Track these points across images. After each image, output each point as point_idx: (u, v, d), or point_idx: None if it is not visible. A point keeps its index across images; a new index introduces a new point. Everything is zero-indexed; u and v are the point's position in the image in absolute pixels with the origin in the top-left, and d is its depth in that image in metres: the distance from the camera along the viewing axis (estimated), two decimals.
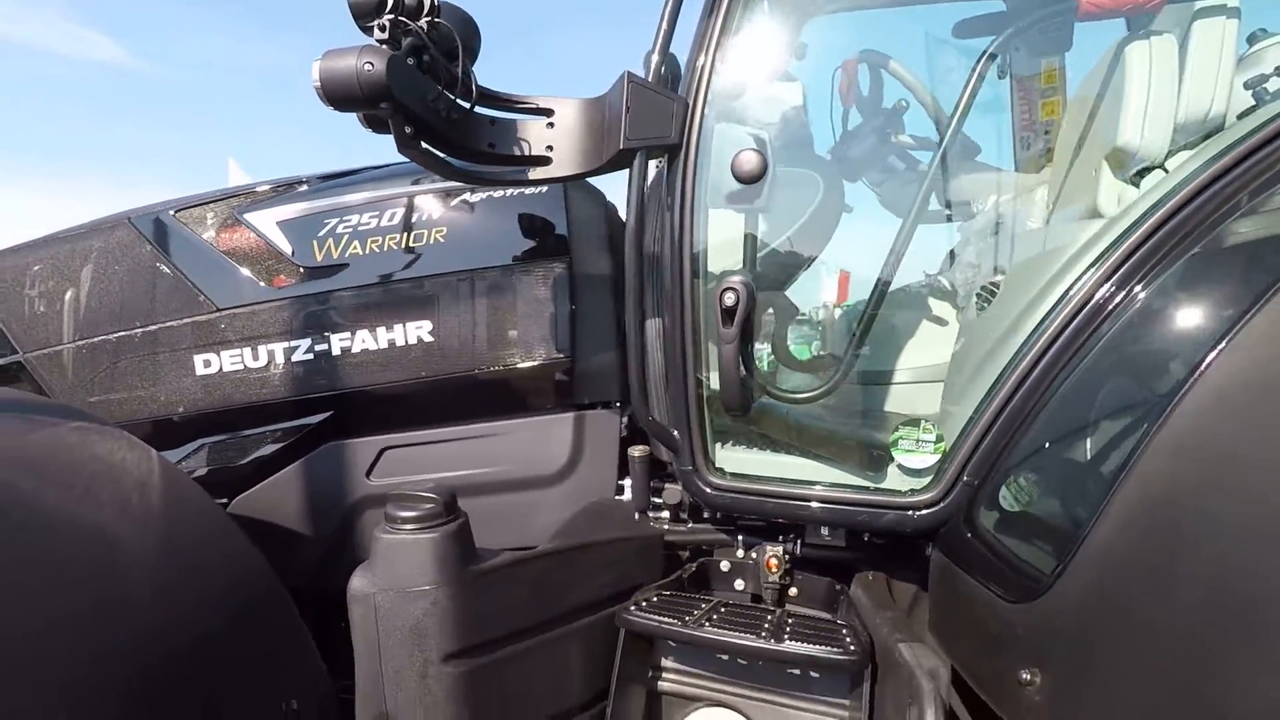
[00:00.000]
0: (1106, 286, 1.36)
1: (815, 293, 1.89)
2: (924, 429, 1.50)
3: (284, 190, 2.42)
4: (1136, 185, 1.52)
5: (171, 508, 1.54)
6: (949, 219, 2.06)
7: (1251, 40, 1.57)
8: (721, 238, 1.68)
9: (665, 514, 2.07)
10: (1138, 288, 1.32)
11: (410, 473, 2.27)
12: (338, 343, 2.25)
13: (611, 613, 1.56)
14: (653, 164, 2.27)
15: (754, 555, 1.82)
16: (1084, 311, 1.37)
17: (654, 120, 1.59)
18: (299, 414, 2.29)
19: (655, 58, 1.62)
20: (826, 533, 1.68)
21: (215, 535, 1.59)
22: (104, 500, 1.42)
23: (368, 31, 1.45)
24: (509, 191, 2.27)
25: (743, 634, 1.44)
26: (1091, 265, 1.39)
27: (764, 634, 1.43)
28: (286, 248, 2.32)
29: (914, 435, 1.50)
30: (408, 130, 1.53)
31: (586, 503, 2.14)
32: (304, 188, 2.42)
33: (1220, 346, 1.02)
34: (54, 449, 1.46)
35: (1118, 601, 0.99)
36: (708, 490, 1.68)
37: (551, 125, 1.77)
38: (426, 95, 1.55)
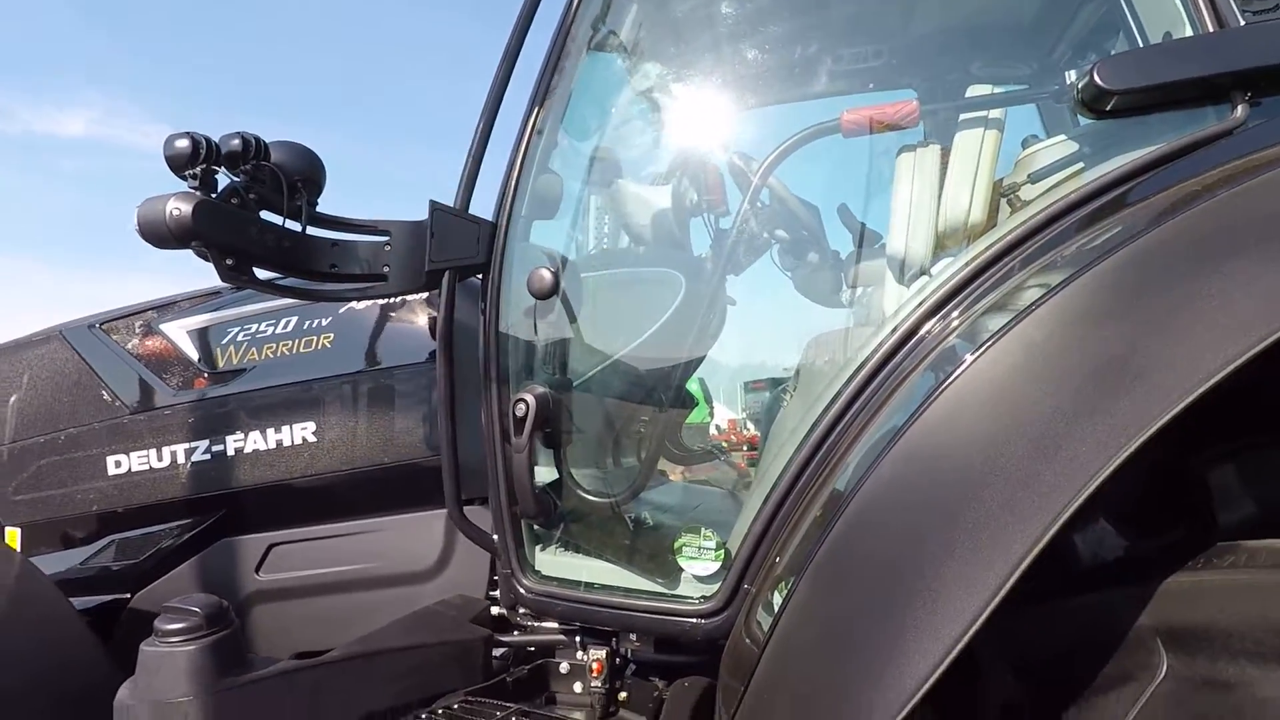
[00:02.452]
0: (858, 394, 1.39)
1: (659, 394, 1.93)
2: (704, 535, 1.51)
3: (200, 300, 2.60)
4: (909, 287, 1.55)
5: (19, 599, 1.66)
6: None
7: (1024, 145, 1.61)
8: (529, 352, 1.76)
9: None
10: (888, 394, 1.34)
11: (296, 568, 2.35)
12: (232, 444, 2.38)
13: None
14: None
15: (587, 657, 1.82)
16: (840, 419, 1.40)
17: (460, 242, 1.70)
18: (195, 512, 2.40)
19: (462, 190, 1.74)
20: (635, 639, 1.69)
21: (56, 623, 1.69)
22: None
23: (183, 179, 1.61)
24: (393, 300, 2.40)
25: None
26: (853, 373, 1.43)
27: None
28: (194, 354, 2.49)
29: (695, 542, 1.52)
30: (228, 262, 1.66)
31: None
32: (218, 298, 2.61)
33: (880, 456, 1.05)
34: None
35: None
36: (524, 593, 1.70)
37: (389, 246, 1.90)
38: (248, 229, 1.69)
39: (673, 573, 1.60)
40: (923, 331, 1.37)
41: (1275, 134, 1.20)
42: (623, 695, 1.79)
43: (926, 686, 0.86)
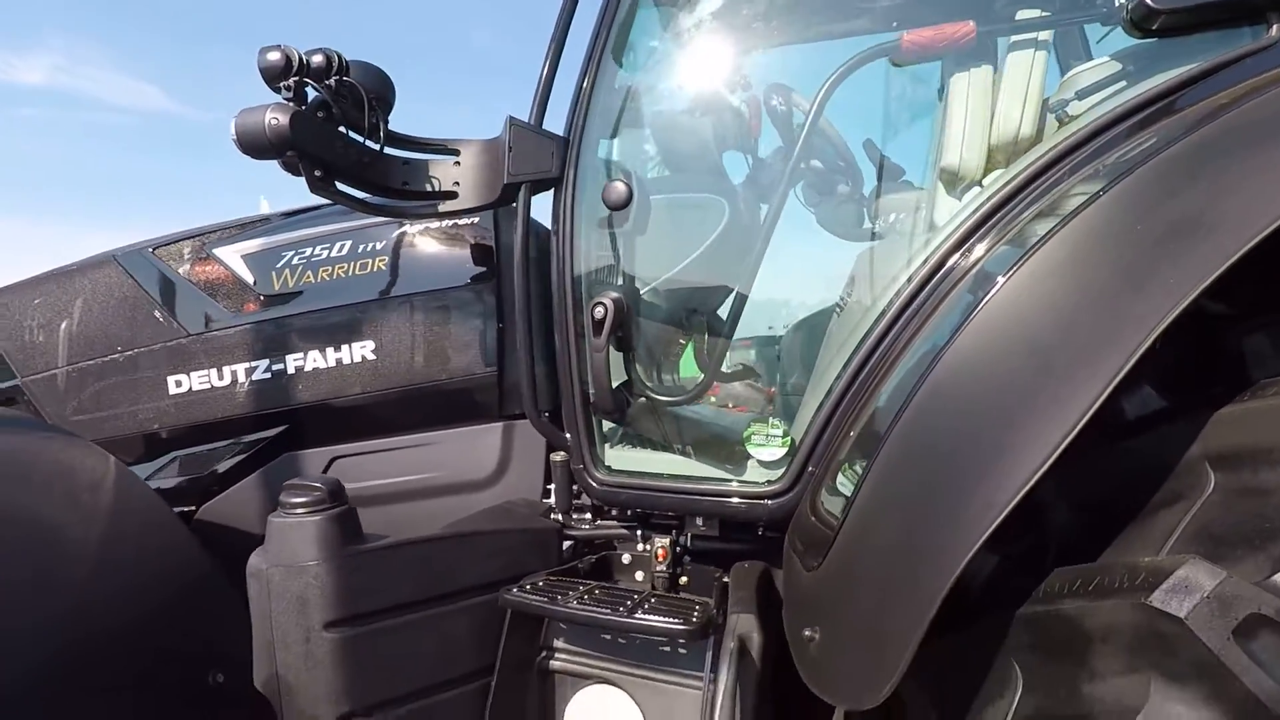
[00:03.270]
0: (926, 290, 1.52)
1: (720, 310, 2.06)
2: (771, 425, 1.66)
3: (250, 226, 2.68)
4: (961, 199, 1.68)
5: (119, 502, 1.77)
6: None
7: (1066, 69, 1.73)
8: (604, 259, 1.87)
9: (588, 515, 2.25)
10: (943, 296, 1.48)
11: (358, 479, 2.48)
12: (292, 362, 2.49)
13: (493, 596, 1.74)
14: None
15: (649, 548, 1.99)
16: (896, 321, 1.54)
17: (536, 157, 1.80)
18: (258, 428, 2.52)
19: (536, 108, 1.83)
20: (702, 523, 1.84)
21: (158, 527, 1.81)
22: (55, 493, 1.65)
23: (276, 91, 1.69)
24: (446, 223, 2.49)
25: (600, 610, 1.60)
26: (906, 280, 1.56)
27: (620, 610, 1.59)
28: (249, 278, 2.58)
29: (763, 430, 1.67)
30: (317, 174, 1.75)
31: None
32: (268, 224, 2.68)
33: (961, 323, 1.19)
34: (16, 453, 1.70)
35: (846, 570, 1.16)
36: (595, 486, 1.85)
37: (458, 164, 1.99)
38: (334, 143, 1.78)
39: (740, 460, 1.75)
40: (981, 232, 1.51)
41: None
42: (683, 580, 1.96)
43: (1006, 511, 1.00)
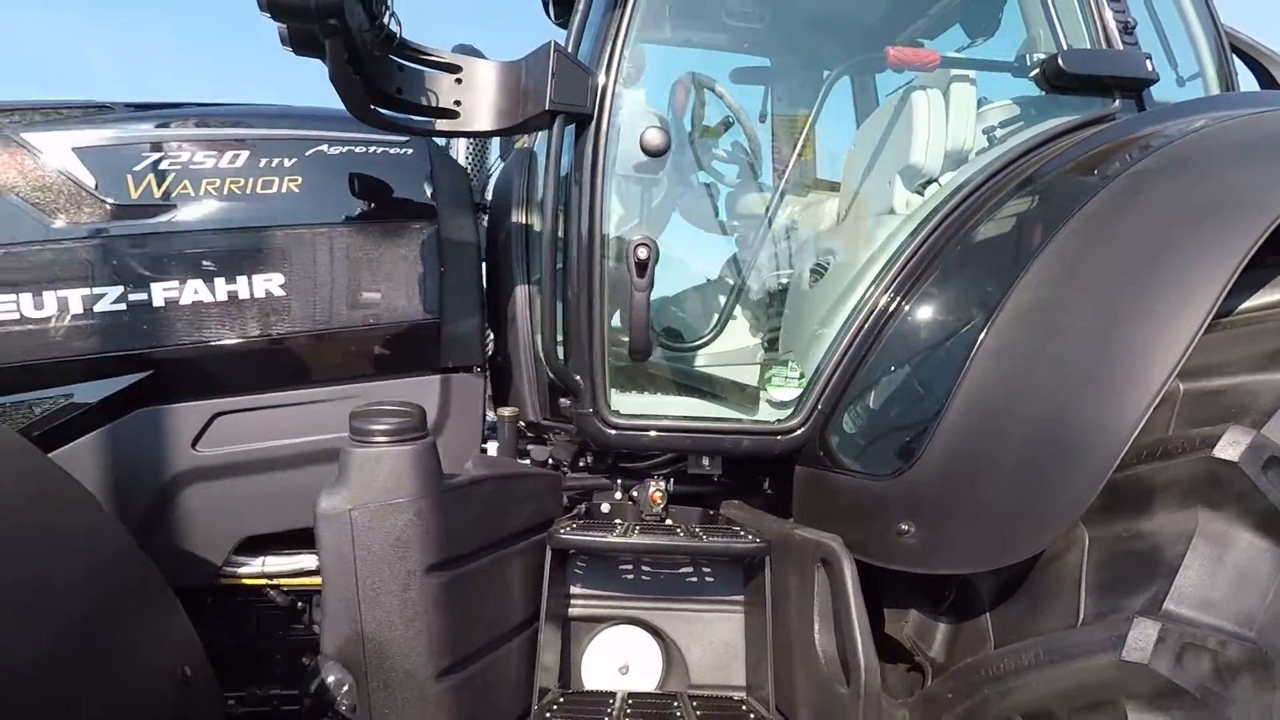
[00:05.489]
0: (912, 259, 1.86)
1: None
2: (790, 367, 1.86)
3: (81, 113, 2.05)
4: (921, 193, 2.07)
5: (29, 483, 1.29)
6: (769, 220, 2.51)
7: (979, 104, 2.25)
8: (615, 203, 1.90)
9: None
10: (936, 259, 1.83)
11: (249, 439, 2.06)
12: (161, 293, 1.98)
13: (538, 539, 1.65)
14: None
15: (634, 494, 2.03)
16: (898, 277, 1.86)
17: (574, 89, 1.76)
18: (102, 374, 1.94)
19: (573, 36, 1.79)
20: (707, 463, 1.96)
21: (77, 507, 1.35)
22: None
23: None
24: (370, 149, 2.21)
25: (668, 538, 1.63)
26: (900, 245, 1.89)
27: (684, 535, 1.64)
28: (88, 179, 1.98)
29: (783, 373, 1.86)
30: (344, 56, 1.50)
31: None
32: (109, 113, 2.08)
33: (1012, 282, 1.51)
34: None
35: (959, 460, 1.42)
36: (608, 431, 1.85)
37: (459, 82, 1.83)
38: (360, 25, 1.53)
39: (751, 401, 1.92)
40: (957, 216, 1.89)
41: (1135, 123, 1.94)
42: (668, 522, 2.04)
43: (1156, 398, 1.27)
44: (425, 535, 1.26)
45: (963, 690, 1.37)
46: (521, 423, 2.23)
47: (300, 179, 2.12)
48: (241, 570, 2.11)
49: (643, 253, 1.73)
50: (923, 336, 1.73)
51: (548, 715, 1.50)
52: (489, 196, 2.73)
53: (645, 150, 1.81)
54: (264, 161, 2.10)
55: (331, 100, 1.79)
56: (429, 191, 2.25)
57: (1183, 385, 1.38)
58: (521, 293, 2.26)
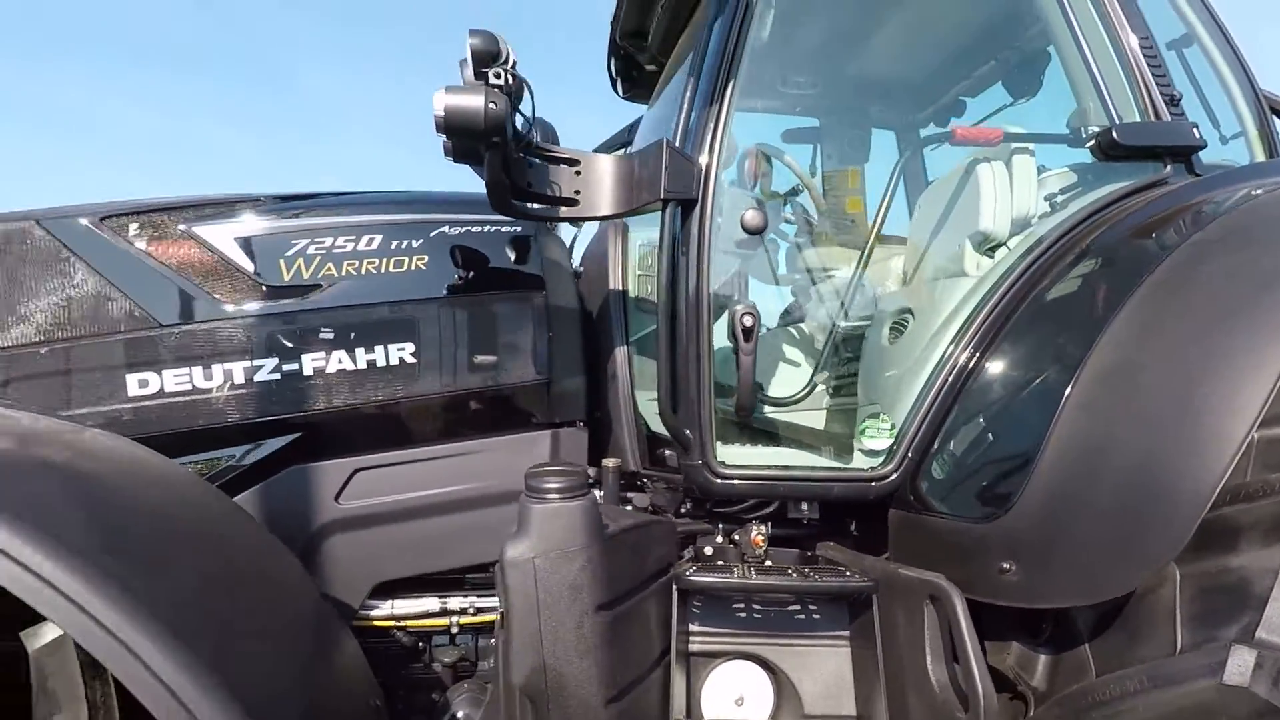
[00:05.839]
0: (989, 318, 2.04)
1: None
2: (882, 419, 2.04)
3: (234, 206, 2.33)
4: (990, 255, 2.27)
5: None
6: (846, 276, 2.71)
7: (1038, 170, 2.46)
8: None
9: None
10: (1011, 318, 2.01)
11: (384, 493, 2.28)
12: (310, 363, 2.23)
13: (664, 580, 1.83)
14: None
15: (735, 538, 2.20)
16: (976, 334, 2.04)
17: (682, 179, 2.00)
18: (260, 436, 2.19)
19: (683, 134, 2.04)
20: (805, 508, 2.13)
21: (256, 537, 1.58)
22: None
23: (482, 76, 1.67)
24: (485, 228, 2.46)
25: (784, 578, 1.81)
26: (976, 305, 2.08)
27: (797, 576, 1.81)
28: (248, 265, 2.25)
29: (875, 425, 2.04)
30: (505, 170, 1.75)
31: None
32: (258, 204, 2.36)
33: (1092, 342, 1.69)
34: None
35: (1056, 504, 1.59)
36: (716, 480, 2.03)
37: (578, 174, 2.08)
38: (511, 137, 1.79)
39: (845, 450, 2.10)
40: (1022, 281, 2.08)
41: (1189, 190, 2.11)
42: (768, 564, 2.21)
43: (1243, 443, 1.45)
44: (594, 579, 1.45)
45: (1069, 715, 1.52)
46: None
47: (426, 257, 2.38)
48: (373, 613, 2.31)
49: (748, 320, 1.94)
50: (1006, 391, 1.91)
51: None
52: (576, 263, 2.99)
53: (746, 229, 2.03)
54: (394, 243, 2.36)
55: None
56: (537, 263, 2.50)
57: (1258, 433, 1.55)
58: (621, 353, 2.48)
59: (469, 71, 1.71)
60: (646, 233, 2.72)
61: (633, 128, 3.72)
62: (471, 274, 2.42)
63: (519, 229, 2.50)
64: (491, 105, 1.62)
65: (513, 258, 2.48)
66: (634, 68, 3.40)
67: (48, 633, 1.21)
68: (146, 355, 2.13)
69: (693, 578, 1.82)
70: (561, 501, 1.48)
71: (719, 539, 2.23)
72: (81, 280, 2.13)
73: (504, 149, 1.74)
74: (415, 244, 2.38)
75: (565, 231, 2.91)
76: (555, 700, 1.42)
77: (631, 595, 1.61)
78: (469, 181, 2.08)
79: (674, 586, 1.84)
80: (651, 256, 2.70)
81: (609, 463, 2.33)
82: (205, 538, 1.42)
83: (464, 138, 1.65)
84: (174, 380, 2.14)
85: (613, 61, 3.43)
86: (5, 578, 0.90)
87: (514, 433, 2.41)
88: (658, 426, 2.43)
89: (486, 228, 2.47)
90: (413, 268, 2.36)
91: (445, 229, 2.43)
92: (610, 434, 2.52)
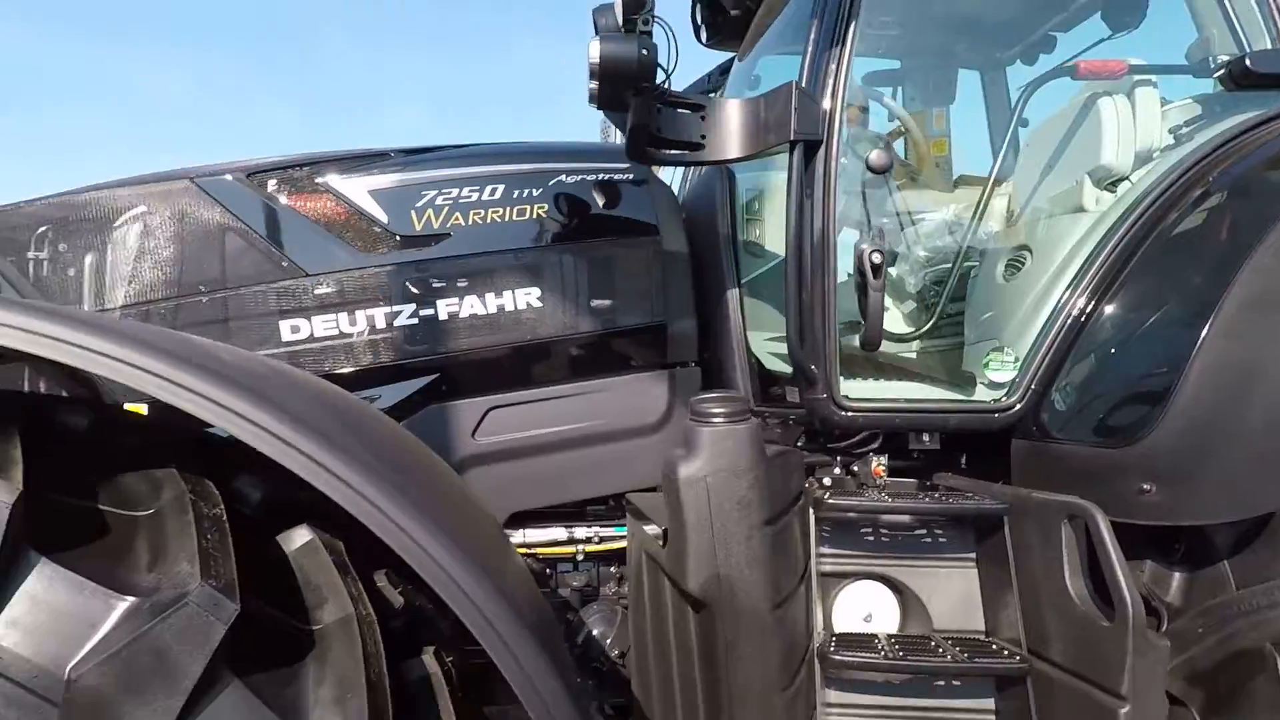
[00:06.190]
0: (1114, 251, 2.06)
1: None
2: (1005, 353, 2.10)
3: (370, 160, 2.44)
4: (1112, 190, 2.27)
5: None
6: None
7: (1161, 104, 2.42)
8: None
9: None
10: (1138, 251, 2.03)
11: (515, 429, 2.42)
12: (444, 308, 2.36)
13: (802, 504, 1.94)
14: None
15: (854, 469, 2.29)
16: (1101, 268, 2.06)
17: (810, 120, 2.04)
18: (401, 378, 2.34)
19: (809, 75, 2.07)
20: (926, 439, 2.21)
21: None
22: None
23: (631, 25, 1.73)
24: (600, 176, 2.53)
25: (921, 502, 1.90)
26: (1100, 239, 2.10)
27: (931, 500, 1.90)
28: (381, 216, 2.37)
29: (999, 358, 2.10)
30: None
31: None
32: (386, 160, 2.47)
33: (1234, 272, 1.71)
34: None
35: (1202, 426, 1.64)
36: (841, 413, 2.11)
37: (703, 119, 2.13)
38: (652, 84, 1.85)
39: (968, 382, 2.16)
40: (1148, 216, 2.08)
41: None
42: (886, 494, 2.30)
43: None
44: (760, 496, 1.56)
45: (1213, 625, 1.60)
46: None
47: (546, 206, 2.46)
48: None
49: (876, 258, 2.00)
50: (1136, 323, 1.94)
51: (831, 649, 1.79)
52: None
53: (872, 169, 2.07)
54: (516, 193, 2.45)
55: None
56: (649, 209, 2.57)
57: None
58: (733, 295, 2.55)
59: (615, 18, 1.76)
60: (752, 177, 2.76)
61: (713, 76, 3.72)
62: (589, 221, 2.50)
63: (632, 176, 2.56)
64: (644, 52, 1.68)
65: (627, 205, 2.55)
66: (719, 13, 3.39)
67: (299, 536, 1.37)
68: (297, 302, 2.28)
69: (832, 500, 1.92)
70: (729, 425, 1.58)
71: (836, 470, 2.32)
72: (235, 233, 2.27)
73: (651, 95, 1.80)
74: (536, 193, 2.47)
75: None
76: (727, 606, 1.54)
77: (784, 514, 1.72)
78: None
79: (810, 510, 1.94)
80: (758, 200, 2.75)
81: None
82: (423, 452, 1.56)
83: (615, 84, 1.72)
84: (322, 325, 2.29)
85: (698, 8, 3.42)
86: (323, 484, 1.03)
87: (633, 373, 2.51)
88: (772, 365, 2.52)
89: (601, 175, 2.54)
90: (534, 216, 2.45)
91: (563, 178, 2.51)
92: (721, 373, 2.61)
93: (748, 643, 1.55)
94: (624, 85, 1.73)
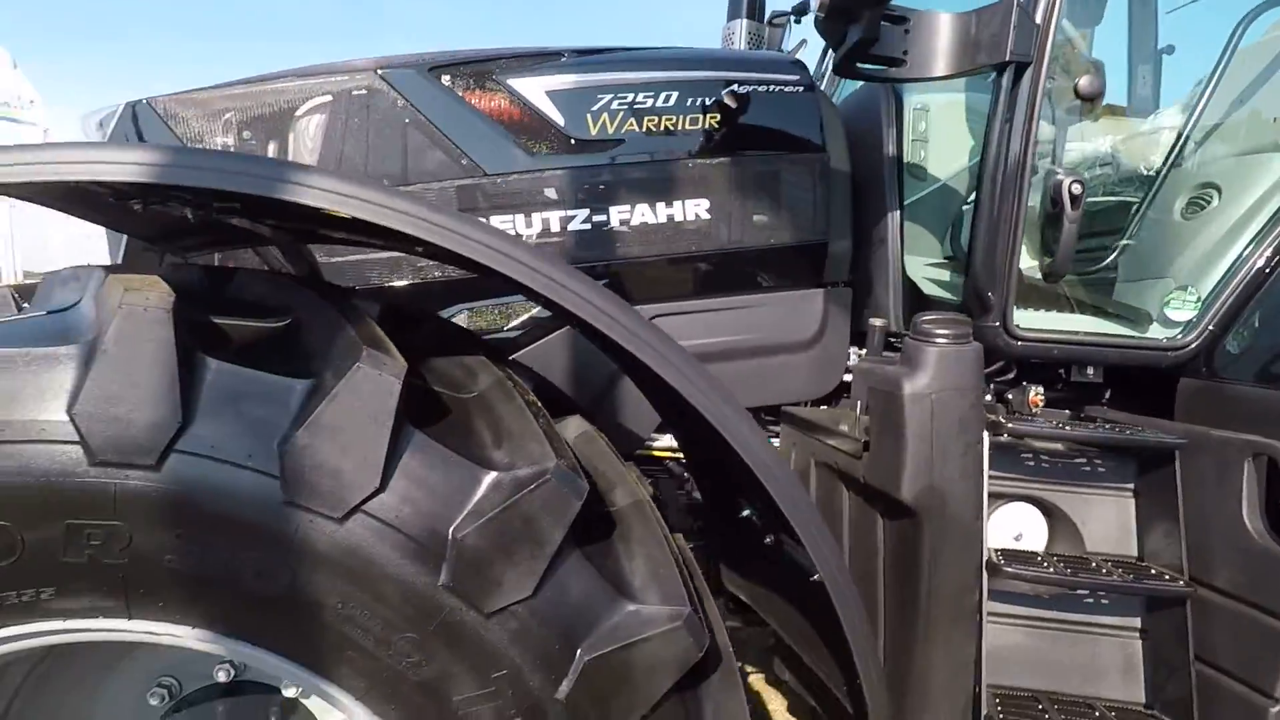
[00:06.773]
0: None
1: None
2: (1189, 292, 2.11)
3: (546, 59, 2.43)
4: None
5: None
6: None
7: None
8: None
9: None
10: None
11: (679, 339, 2.49)
12: (616, 215, 2.39)
13: None
14: None
15: (1008, 396, 2.35)
16: None
17: (1025, 40, 1.98)
18: None
19: None
20: (1091, 372, 2.26)
21: None
22: None
23: None
24: (770, 88, 2.49)
25: (1096, 431, 1.99)
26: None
27: (1100, 429, 1.98)
28: (558, 118, 2.37)
29: (1181, 296, 2.11)
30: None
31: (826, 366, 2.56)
32: (560, 60, 2.45)
33: None
34: None
35: None
36: (1013, 342, 2.15)
37: (907, 33, 2.08)
38: None
39: (1143, 319, 2.18)
40: None
41: None
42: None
43: None
44: (976, 416, 1.65)
45: None
46: None
47: (719, 116, 2.44)
48: (655, 445, 2.61)
49: (1077, 188, 1.99)
50: None
51: (999, 558, 1.92)
52: None
53: (1082, 95, 2.02)
54: (690, 101, 2.43)
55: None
56: (816, 125, 2.54)
57: None
58: (894, 217, 2.55)
59: None
60: (920, 98, 2.70)
61: None
62: (759, 134, 2.48)
63: (800, 90, 2.52)
64: None
65: (796, 120, 2.52)
66: None
67: (575, 426, 1.49)
68: (474, 202, 2.32)
69: (1013, 425, 2.00)
70: (955, 346, 1.64)
71: (989, 397, 2.39)
72: (418, 128, 2.30)
73: (883, 6, 1.76)
74: (708, 101, 2.44)
75: None
76: (937, 514, 1.66)
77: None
78: None
79: (986, 433, 2.02)
80: (925, 121, 2.70)
81: (876, 322, 2.46)
82: None
83: (857, 6, 1.69)
84: (500, 226, 2.34)
85: None
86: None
87: (791, 289, 2.56)
88: (928, 290, 2.55)
89: (772, 87, 2.50)
90: (706, 126, 2.44)
91: (735, 88, 2.47)
92: (871, 295, 2.65)
93: (952, 549, 1.67)
94: (860, 9, 1.69)
